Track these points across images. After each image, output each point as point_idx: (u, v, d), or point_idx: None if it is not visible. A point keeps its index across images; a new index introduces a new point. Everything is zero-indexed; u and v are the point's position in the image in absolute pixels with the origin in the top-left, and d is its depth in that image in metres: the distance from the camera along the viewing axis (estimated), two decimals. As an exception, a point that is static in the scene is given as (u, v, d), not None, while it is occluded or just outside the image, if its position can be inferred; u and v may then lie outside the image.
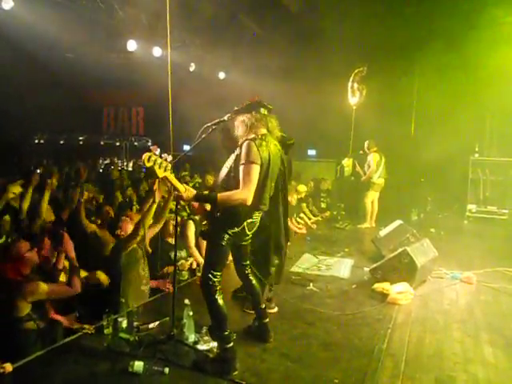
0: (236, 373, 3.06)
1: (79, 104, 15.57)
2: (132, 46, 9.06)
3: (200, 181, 9.08)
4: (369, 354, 3.40)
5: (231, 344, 3.13)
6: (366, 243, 7.15)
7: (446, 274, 5.51)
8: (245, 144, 3.10)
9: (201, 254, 5.43)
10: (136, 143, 15.61)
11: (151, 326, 3.67)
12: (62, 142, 16.24)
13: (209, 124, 3.34)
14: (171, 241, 5.02)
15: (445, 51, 9.54)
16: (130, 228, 4.41)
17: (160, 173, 3.02)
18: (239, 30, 10.48)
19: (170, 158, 3.15)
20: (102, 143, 15.80)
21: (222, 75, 12.51)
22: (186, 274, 5.11)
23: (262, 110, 3.24)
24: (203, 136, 3.32)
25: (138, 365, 2.98)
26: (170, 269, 4.76)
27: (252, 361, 3.26)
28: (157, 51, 9.71)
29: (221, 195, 3.04)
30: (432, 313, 4.34)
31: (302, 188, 8.15)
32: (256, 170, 3.04)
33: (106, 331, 3.49)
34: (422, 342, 3.67)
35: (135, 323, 3.60)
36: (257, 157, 3.04)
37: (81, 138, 15.78)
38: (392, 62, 10.22)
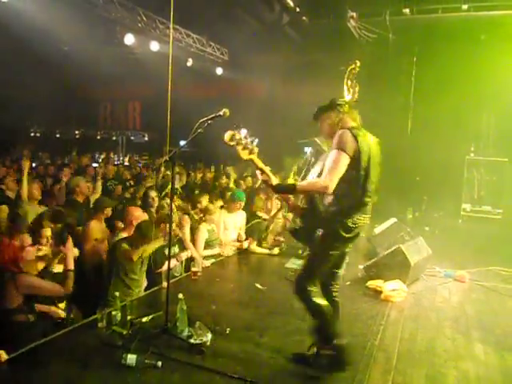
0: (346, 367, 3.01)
1: (75, 97, 15.52)
2: (129, 39, 9.04)
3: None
4: (361, 350, 3.43)
5: (338, 340, 3.05)
6: (361, 241, 7.16)
7: (439, 272, 5.54)
8: (339, 132, 2.96)
9: (196, 250, 5.47)
10: (132, 138, 15.56)
11: (145, 319, 3.67)
12: (57, 135, 16.17)
13: (204, 119, 3.35)
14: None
15: (443, 51, 9.58)
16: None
17: (244, 154, 2.94)
18: (238, 26, 10.46)
19: (256, 140, 3.02)
20: (98, 137, 15.73)
21: (219, 71, 12.50)
22: (180, 269, 5.12)
23: (346, 106, 3.14)
24: (199, 131, 3.33)
25: (131, 358, 2.99)
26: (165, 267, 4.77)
27: (245, 355, 3.27)
28: (154, 45, 9.69)
29: (300, 184, 2.98)
30: (424, 310, 4.37)
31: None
32: (344, 159, 2.87)
33: (99, 324, 3.50)
34: (414, 338, 3.70)
35: (129, 317, 3.60)
36: (348, 146, 2.89)
37: (77, 132, 15.70)
38: (389, 60, 10.25)
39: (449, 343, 3.65)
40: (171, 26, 4.36)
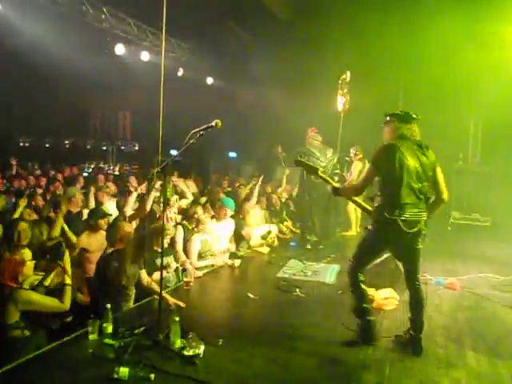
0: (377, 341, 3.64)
1: (65, 107, 15.43)
2: (120, 49, 9.05)
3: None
4: (354, 359, 3.44)
5: (371, 317, 3.68)
6: (352, 249, 7.18)
7: (430, 279, 5.57)
8: (377, 148, 3.63)
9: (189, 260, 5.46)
10: (123, 147, 15.48)
11: (137, 331, 3.63)
12: (47, 145, 16.03)
13: (197, 130, 3.36)
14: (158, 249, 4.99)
15: (430, 59, 9.73)
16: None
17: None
18: (228, 36, 10.55)
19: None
20: (88, 147, 15.64)
21: (210, 80, 12.55)
22: (172, 280, 5.09)
23: (410, 120, 3.67)
24: (191, 141, 3.34)
25: (124, 371, 2.95)
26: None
27: (238, 366, 3.26)
28: (145, 55, 9.71)
29: (341, 187, 4.00)
30: (416, 318, 4.37)
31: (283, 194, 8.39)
32: (371, 170, 3.65)
33: (90, 337, 3.45)
34: (406, 347, 3.70)
35: (120, 329, 3.57)
36: (378, 161, 3.57)
37: (67, 142, 15.60)
38: (379, 69, 10.38)
39: (441, 351, 3.66)
40: (163, 36, 4.36)
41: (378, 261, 5.19)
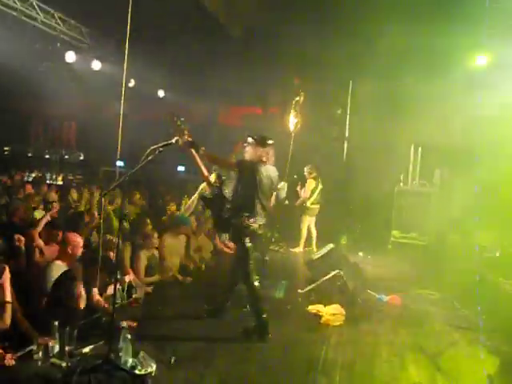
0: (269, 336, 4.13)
1: (6, 112, 14.62)
2: (71, 57, 8.80)
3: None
4: (304, 375, 3.53)
5: (265, 315, 4.19)
6: (300, 265, 7.36)
7: (373, 296, 5.81)
8: (250, 161, 4.32)
9: (137, 277, 5.35)
10: (67, 156, 14.84)
11: (85, 350, 3.52)
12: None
13: (155, 146, 3.36)
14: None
15: (374, 85, 10.28)
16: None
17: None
18: (179, 50, 10.55)
19: None
20: (29, 155, 14.83)
21: (161, 93, 12.48)
22: (121, 296, 4.96)
23: (266, 145, 4.34)
24: (150, 158, 3.33)
25: (72, 392, 2.86)
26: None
27: (190, 385, 3.24)
28: (96, 64, 9.51)
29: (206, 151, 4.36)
30: (362, 333, 4.56)
31: None
32: (234, 164, 4.34)
33: (35, 357, 3.30)
34: (353, 362, 3.85)
35: (68, 347, 3.43)
36: (243, 164, 4.28)
37: (6, 149, 14.70)
38: (326, 93, 10.84)
39: (385, 366, 3.84)
40: (127, 47, 4.33)
41: (325, 278, 5.40)
